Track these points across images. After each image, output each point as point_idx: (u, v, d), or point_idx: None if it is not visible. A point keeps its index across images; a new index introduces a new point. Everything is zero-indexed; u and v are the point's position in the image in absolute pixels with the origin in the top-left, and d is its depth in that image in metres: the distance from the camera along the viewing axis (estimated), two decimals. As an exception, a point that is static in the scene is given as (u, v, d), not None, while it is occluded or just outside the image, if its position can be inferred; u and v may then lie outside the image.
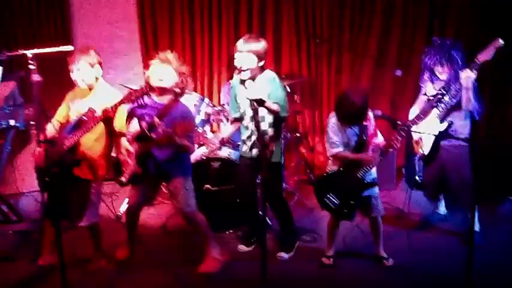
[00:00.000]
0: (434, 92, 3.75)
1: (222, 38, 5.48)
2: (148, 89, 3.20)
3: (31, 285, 3.41)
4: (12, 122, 4.29)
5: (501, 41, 3.43)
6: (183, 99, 3.47)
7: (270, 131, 3.55)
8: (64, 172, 3.19)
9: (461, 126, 3.77)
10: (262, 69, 3.50)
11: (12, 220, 4.38)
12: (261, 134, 3.27)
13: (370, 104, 5.26)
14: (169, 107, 3.31)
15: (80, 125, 3.28)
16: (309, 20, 5.38)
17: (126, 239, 3.70)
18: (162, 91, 3.30)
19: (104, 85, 3.53)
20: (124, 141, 3.42)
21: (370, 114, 3.42)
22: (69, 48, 3.82)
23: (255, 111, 3.19)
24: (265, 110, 3.41)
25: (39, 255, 3.56)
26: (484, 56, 3.50)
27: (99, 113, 3.23)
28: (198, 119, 4.25)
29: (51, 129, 3.49)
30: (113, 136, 3.45)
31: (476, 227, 3.89)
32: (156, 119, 3.16)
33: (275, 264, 3.57)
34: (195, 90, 5.35)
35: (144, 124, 3.17)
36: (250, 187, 3.80)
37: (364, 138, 3.42)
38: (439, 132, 3.76)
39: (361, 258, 3.68)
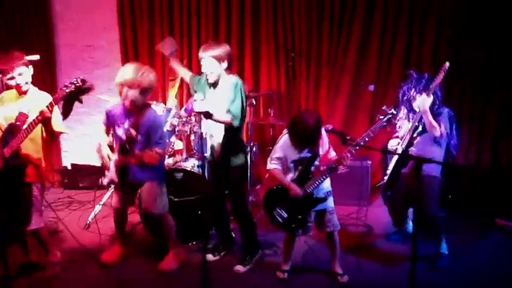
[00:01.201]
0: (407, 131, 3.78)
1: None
2: (81, 83, 3.24)
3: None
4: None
5: (447, 64, 3.58)
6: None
7: (225, 139, 3.55)
8: (9, 180, 3.24)
9: (430, 151, 3.66)
10: (228, 71, 3.55)
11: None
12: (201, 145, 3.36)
13: (348, 118, 5.40)
14: (140, 116, 3.46)
15: (13, 130, 3.29)
16: (287, 34, 5.39)
17: (115, 240, 3.86)
18: (131, 106, 3.44)
19: (33, 88, 3.54)
20: (105, 147, 3.54)
21: (323, 130, 3.40)
22: (36, 57, 3.88)
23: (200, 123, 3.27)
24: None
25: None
26: (437, 81, 3.60)
27: (32, 116, 3.26)
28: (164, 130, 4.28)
29: None
30: (53, 137, 3.49)
31: (444, 249, 3.86)
32: (132, 131, 3.36)
33: (233, 275, 3.64)
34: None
35: (122, 135, 3.41)
36: (218, 194, 3.80)
37: (316, 153, 3.40)
38: (398, 159, 3.77)
39: (317, 274, 3.64)
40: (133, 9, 5.58)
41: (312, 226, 3.53)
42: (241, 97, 3.51)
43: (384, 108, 3.64)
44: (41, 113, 3.22)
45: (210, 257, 3.87)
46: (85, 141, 5.76)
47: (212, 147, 3.67)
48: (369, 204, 5.08)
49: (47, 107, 3.21)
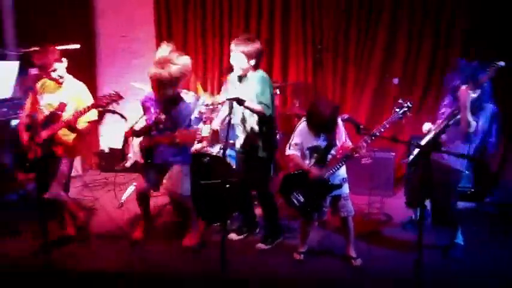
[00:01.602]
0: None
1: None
2: (118, 97, 3.66)
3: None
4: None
5: (502, 63, 3.47)
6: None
7: (257, 128, 3.79)
8: (41, 159, 3.65)
9: (457, 144, 3.71)
10: (255, 68, 3.76)
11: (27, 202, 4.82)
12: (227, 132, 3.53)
13: (373, 114, 5.51)
14: (171, 106, 3.73)
15: (53, 117, 3.74)
16: (315, 32, 5.59)
17: (141, 220, 4.12)
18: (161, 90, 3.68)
19: (68, 77, 3.92)
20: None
21: (339, 120, 3.56)
22: (76, 46, 4.21)
23: (230, 110, 3.46)
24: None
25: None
26: (483, 79, 3.54)
27: (69, 104, 3.71)
28: (192, 117, 4.53)
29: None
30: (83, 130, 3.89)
31: (460, 240, 3.95)
32: (162, 115, 3.64)
33: (253, 254, 3.89)
34: (205, 89, 5.67)
35: (149, 121, 3.69)
36: (244, 181, 4.04)
37: (333, 142, 3.57)
38: (427, 143, 3.82)
39: (332, 257, 3.84)
40: (169, 5, 5.88)
41: (327, 211, 3.71)
42: (270, 89, 3.73)
43: (400, 101, 3.69)
44: (67, 121, 3.69)
45: (233, 236, 4.14)
46: (121, 126, 6.08)
47: (239, 135, 3.90)
48: (392, 194, 5.22)
49: (81, 111, 3.68)
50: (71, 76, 3.96)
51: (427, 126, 4.04)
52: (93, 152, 6.21)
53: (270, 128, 3.86)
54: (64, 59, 3.87)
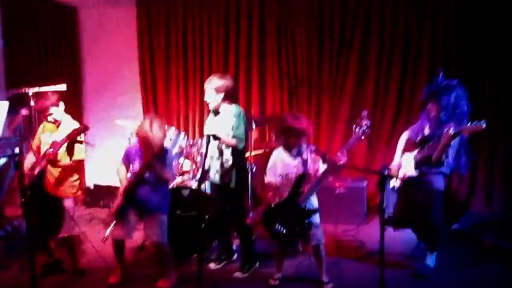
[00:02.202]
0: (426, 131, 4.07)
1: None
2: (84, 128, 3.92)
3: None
4: (17, 150, 4.91)
5: (484, 125, 3.67)
6: None
7: (230, 161, 4.04)
8: (37, 193, 3.84)
9: (433, 176, 4.01)
10: (230, 102, 4.05)
11: (14, 237, 4.98)
12: (203, 165, 3.77)
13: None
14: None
15: (45, 155, 3.96)
16: (290, 65, 5.92)
17: (116, 265, 4.15)
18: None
19: (66, 118, 4.17)
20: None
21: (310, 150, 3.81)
22: (63, 87, 4.47)
23: (207, 145, 3.72)
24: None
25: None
26: (466, 131, 3.74)
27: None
28: (173, 152, 4.78)
29: (31, 158, 4.14)
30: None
31: (430, 262, 4.16)
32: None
33: (231, 282, 4.08)
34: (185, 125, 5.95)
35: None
36: (219, 211, 4.27)
37: (304, 173, 3.79)
38: (409, 177, 4.11)
39: (307, 282, 4.03)
40: (152, 46, 6.23)
41: (299, 241, 3.92)
42: (244, 123, 4.00)
43: (358, 120, 3.89)
44: (45, 154, 3.91)
45: (212, 265, 4.33)
46: (107, 163, 6.31)
47: (215, 167, 4.14)
48: (365, 222, 5.45)
49: (52, 149, 3.88)
50: (69, 117, 4.20)
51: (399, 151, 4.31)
52: (81, 188, 6.39)
53: (242, 160, 4.12)
54: (61, 103, 4.10)
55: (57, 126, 4.13)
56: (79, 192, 4.25)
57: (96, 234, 5.14)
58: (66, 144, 3.90)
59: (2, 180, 4.99)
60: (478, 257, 4.54)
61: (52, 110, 4.04)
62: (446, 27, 5.44)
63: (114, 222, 4.15)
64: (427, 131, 4.11)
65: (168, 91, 6.19)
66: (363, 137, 3.86)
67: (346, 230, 5.24)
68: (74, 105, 6.30)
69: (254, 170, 5.06)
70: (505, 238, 4.77)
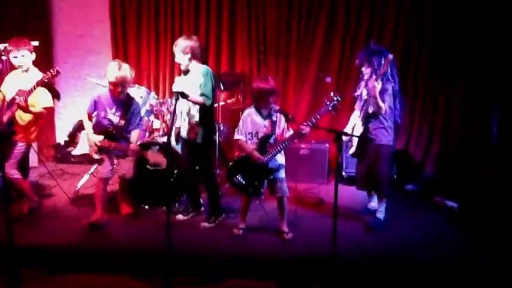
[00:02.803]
0: (364, 92, 4.41)
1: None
2: (57, 72, 4.08)
3: None
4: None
5: (391, 56, 4.17)
6: (133, 93, 4.44)
7: (197, 117, 4.26)
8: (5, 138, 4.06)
9: (378, 131, 4.36)
10: (199, 62, 4.25)
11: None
12: (172, 121, 3.97)
13: (313, 106, 6.07)
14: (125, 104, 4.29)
15: (12, 102, 4.13)
16: (259, 32, 6.11)
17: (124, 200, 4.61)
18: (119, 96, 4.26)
19: (33, 68, 4.35)
20: (94, 137, 4.26)
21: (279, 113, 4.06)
22: (35, 43, 4.54)
23: (175, 102, 3.92)
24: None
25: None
26: (381, 70, 4.20)
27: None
28: (143, 110, 4.96)
29: None
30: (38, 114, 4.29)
31: (380, 215, 4.52)
32: (121, 122, 4.25)
33: (197, 231, 4.35)
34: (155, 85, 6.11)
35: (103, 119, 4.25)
36: (188, 165, 4.51)
37: (271, 133, 4.07)
38: (360, 134, 4.42)
39: (268, 232, 4.34)
40: (123, 4, 6.26)
41: (264, 191, 4.21)
42: (211, 81, 4.20)
43: (331, 94, 4.17)
44: (15, 103, 4.07)
45: (179, 216, 4.59)
46: (77, 120, 6.42)
47: (185, 124, 4.34)
48: (326, 182, 5.79)
49: (21, 97, 4.05)
50: (36, 69, 4.36)
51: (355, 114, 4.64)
52: (50, 145, 6.50)
53: (209, 117, 4.33)
54: (33, 53, 4.32)
55: (26, 71, 4.28)
56: (33, 137, 4.44)
57: (67, 188, 5.28)
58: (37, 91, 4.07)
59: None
60: (425, 213, 4.93)
61: (25, 52, 4.23)
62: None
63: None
64: (364, 94, 4.46)
65: (139, 51, 6.28)
66: (332, 110, 4.12)
67: (309, 188, 5.56)
68: (45, 64, 6.29)
69: (222, 128, 5.28)
70: (450, 196, 5.16)
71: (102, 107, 4.27)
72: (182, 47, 4.19)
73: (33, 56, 4.33)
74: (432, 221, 4.73)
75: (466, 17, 5.63)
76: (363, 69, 4.43)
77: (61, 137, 6.61)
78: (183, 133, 4.41)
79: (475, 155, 5.61)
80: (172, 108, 3.97)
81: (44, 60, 6.33)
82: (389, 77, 4.34)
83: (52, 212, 4.69)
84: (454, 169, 5.71)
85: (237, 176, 4.12)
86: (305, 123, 3.98)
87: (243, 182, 4.11)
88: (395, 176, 5.66)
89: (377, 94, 4.19)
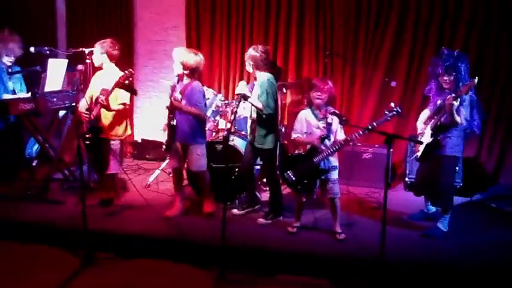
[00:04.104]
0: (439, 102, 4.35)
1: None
2: (131, 73, 4.44)
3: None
4: (74, 103, 5.55)
5: (475, 81, 4.00)
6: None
7: (262, 123, 4.47)
8: (95, 135, 4.53)
9: (446, 140, 4.30)
10: (261, 70, 4.47)
11: (70, 180, 5.65)
12: (232, 121, 4.31)
13: (379, 111, 6.06)
14: (186, 86, 4.57)
15: (97, 101, 4.54)
16: (327, 37, 6.22)
17: (175, 197, 4.83)
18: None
19: (112, 66, 4.78)
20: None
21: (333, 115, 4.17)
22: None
23: (238, 103, 4.16)
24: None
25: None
26: (463, 91, 4.06)
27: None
28: (210, 111, 5.26)
29: (83, 104, 4.74)
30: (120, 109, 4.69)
31: (441, 225, 4.43)
32: (178, 96, 4.51)
33: (252, 226, 4.57)
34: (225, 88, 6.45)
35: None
36: (249, 166, 4.75)
37: (327, 135, 4.19)
38: (427, 144, 4.38)
39: (321, 231, 4.45)
40: (198, 13, 6.65)
41: (316, 191, 4.34)
42: (267, 91, 4.38)
43: (391, 105, 4.19)
44: (97, 101, 4.50)
45: (235, 211, 4.84)
46: (153, 119, 6.90)
47: (251, 127, 4.59)
48: (389, 187, 5.75)
49: (103, 96, 4.46)
50: (117, 69, 4.78)
51: (420, 125, 4.60)
52: (128, 142, 7.03)
53: (270, 123, 4.49)
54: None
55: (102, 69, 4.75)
56: (126, 134, 4.86)
57: (140, 182, 5.73)
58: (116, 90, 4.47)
59: (61, 129, 5.69)
60: (492, 225, 4.78)
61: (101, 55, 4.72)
62: (486, 8, 5.60)
63: (168, 157, 4.96)
64: (439, 102, 4.38)
65: (211, 57, 6.61)
66: (391, 121, 4.21)
67: (370, 192, 5.59)
68: (127, 67, 6.76)
69: (283, 129, 5.47)
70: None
71: (173, 90, 4.60)
72: (247, 57, 4.47)
73: (106, 57, 4.78)
74: (497, 232, 4.60)
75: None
76: (445, 77, 4.28)
77: (138, 135, 7.11)
78: (250, 137, 4.66)
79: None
80: (235, 109, 4.21)
81: (126, 63, 6.84)
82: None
83: (125, 203, 5.10)
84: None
85: (288, 172, 4.27)
86: (357, 133, 4.06)
87: (293, 179, 4.26)
88: (461, 185, 5.53)
89: (454, 111, 4.11)
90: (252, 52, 4.45)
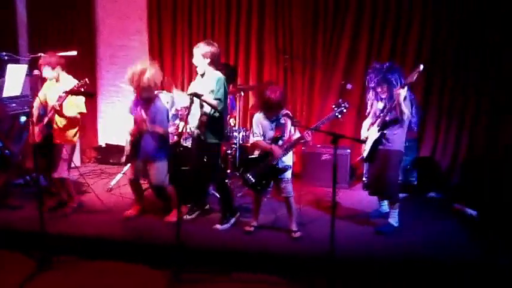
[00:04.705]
0: (381, 106, 4.56)
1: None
2: (85, 82, 4.50)
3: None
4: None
5: (421, 67, 4.22)
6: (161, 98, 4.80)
7: (204, 117, 4.48)
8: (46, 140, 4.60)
9: (395, 136, 4.50)
10: (214, 68, 4.48)
11: (30, 185, 5.64)
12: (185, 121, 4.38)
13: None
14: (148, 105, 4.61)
15: (52, 108, 4.59)
16: (286, 40, 6.36)
17: (135, 200, 4.93)
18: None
19: (64, 75, 4.81)
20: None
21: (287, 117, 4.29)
22: (73, 53, 5.03)
23: (190, 103, 4.25)
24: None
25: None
26: (410, 79, 4.27)
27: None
28: (170, 114, 5.32)
29: (36, 106, 4.78)
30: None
31: (392, 220, 4.61)
32: (143, 115, 4.55)
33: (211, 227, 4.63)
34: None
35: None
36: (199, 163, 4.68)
37: (280, 135, 4.31)
38: (375, 139, 4.57)
39: (278, 230, 4.56)
40: (160, 17, 6.72)
41: (270, 190, 4.49)
42: (224, 87, 4.45)
43: (339, 101, 4.42)
44: (51, 107, 4.54)
45: (186, 217, 4.80)
46: (117, 124, 6.92)
47: (197, 125, 4.56)
48: (348, 187, 5.92)
49: (56, 103, 4.51)
50: (70, 76, 4.83)
51: (367, 121, 4.79)
52: (92, 147, 7.04)
53: (221, 119, 4.51)
54: (58, 67, 4.76)
55: (58, 80, 4.76)
56: (75, 139, 4.88)
57: (103, 186, 5.76)
58: (70, 97, 4.52)
59: (21, 135, 5.68)
60: (442, 220, 4.95)
61: (45, 68, 4.69)
62: (436, 9, 5.83)
63: (128, 166, 5.00)
64: (380, 105, 4.60)
65: (174, 60, 6.69)
66: (339, 116, 4.36)
67: (329, 192, 5.68)
68: (89, 72, 6.83)
69: (244, 132, 5.57)
70: (472, 204, 5.14)
71: (134, 109, 4.67)
72: (203, 51, 4.42)
73: (61, 70, 4.79)
74: (447, 227, 4.77)
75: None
76: (379, 90, 4.54)
77: (102, 140, 7.13)
78: (195, 132, 4.60)
79: (504, 161, 5.56)
80: (188, 109, 4.29)
81: (88, 67, 6.90)
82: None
83: (85, 206, 5.13)
84: (479, 176, 5.66)
85: (247, 174, 4.37)
86: (308, 130, 4.21)
87: (253, 180, 4.36)
88: (415, 183, 5.73)
89: (401, 100, 4.30)
90: (209, 47, 4.42)
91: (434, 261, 4.02)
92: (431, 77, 5.92)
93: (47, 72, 4.71)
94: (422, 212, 5.20)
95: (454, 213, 5.16)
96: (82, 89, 4.45)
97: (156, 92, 4.72)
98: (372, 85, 4.59)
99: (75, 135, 4.83)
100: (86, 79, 4.52)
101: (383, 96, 4.56)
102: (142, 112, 4.57)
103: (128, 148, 4.73)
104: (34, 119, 4.68)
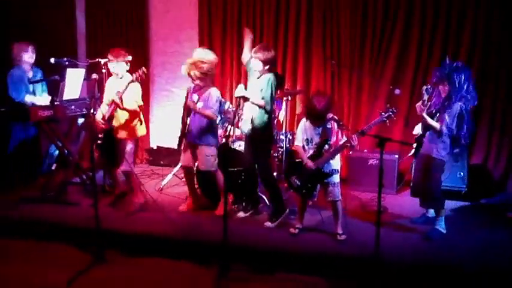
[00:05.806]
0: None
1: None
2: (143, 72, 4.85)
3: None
4: (91, 110, 5.83)
5: (398, 91, 4.59)
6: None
7: (259, 119, 4.64)
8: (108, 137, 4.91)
9: (432, 144, 4.47)
10: (268, 71, 4.65)
11: (87, 184, 5.92)
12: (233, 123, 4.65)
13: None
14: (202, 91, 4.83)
15: (112, 102, 4.91)
16: (334, 48, 6.40)
17: (188, 194, 5.18)
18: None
19: (127, 75, 5.06)
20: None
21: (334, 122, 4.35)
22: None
23: (237, 106, 4.41)
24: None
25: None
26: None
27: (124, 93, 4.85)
28: (218, 119, 5.45)
29: (100, 112, 5.06)
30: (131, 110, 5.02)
31: (439, 226, 4.56)
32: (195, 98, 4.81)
33: (260, 229, 4.72)
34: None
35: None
36: (250, 162, 4.87)
37: (326, 139, 4.36)
38: (417, 137, 4.63)
39: (323, 233, 4.60)
40: (211, 26, 6.95)
41: (317, 194, 4.50)
42: (271, 89, 4.59)
43: (387, 105, 4.43)
44: (111, 101, 4.84)
45: (241, 214, 5.00)
46: (168, 127, 7.15)
47: (249, 126, 4.72)
48: (395, 192, 5.86)
49: (116, 96, 4.83)
50: (129, 75, 5.06)
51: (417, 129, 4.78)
52: (144, 149, 7.30)
53: (269, 119, 4.67)
54: (128, 64, 5.12)
55: (121, 78, 5.06)
56: (140, 134, 5.16)
57: (154, 185, 5.97)
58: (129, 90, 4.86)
59: (79, 136, 5.99)
60: (494, 229, 4.82)
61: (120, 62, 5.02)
62: (488, 15, 5.71)
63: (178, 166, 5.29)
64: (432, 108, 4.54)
65: (223, 68, 6.86)
66: (387, 121, 4.39)
67: (374, 197, 5.65)
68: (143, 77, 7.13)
69: (291, 137, 5.65)
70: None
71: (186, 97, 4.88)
72: (264, 57, 4.57)
73: (128, 66, 5.11)
74: (500, 235, 4.65)
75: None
76: (440, 86, 4.48)
77: (153, 142, 7.39)
78: (245, 130, 4.78)
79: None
80: (237, 112, 4.42)
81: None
82: (464, 93, 4.34)
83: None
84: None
85: (293, 177, 4.44)
86: (355, 134, 4.24)
87: (298, 183, 4.42)
88: (465, 190, 5.59)
89: (424, 115, 4.36)
90: (270, 54, 4.59)
91: (482, 269, 3.95)
92: (485, 83, 5.79)
93: (117, 65, 5.02)
94: (473, 220, 5.10)
95: (508, 221, 5.01)
96: (140, 79, 4.78)
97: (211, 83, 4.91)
98: (434, 80, 4.51)
99: (137, 129, 5.10)
100: (143, 68, 4.84)
101: (443, 95, 4.46)
102: (195, 96, 4.78)
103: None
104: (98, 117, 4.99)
